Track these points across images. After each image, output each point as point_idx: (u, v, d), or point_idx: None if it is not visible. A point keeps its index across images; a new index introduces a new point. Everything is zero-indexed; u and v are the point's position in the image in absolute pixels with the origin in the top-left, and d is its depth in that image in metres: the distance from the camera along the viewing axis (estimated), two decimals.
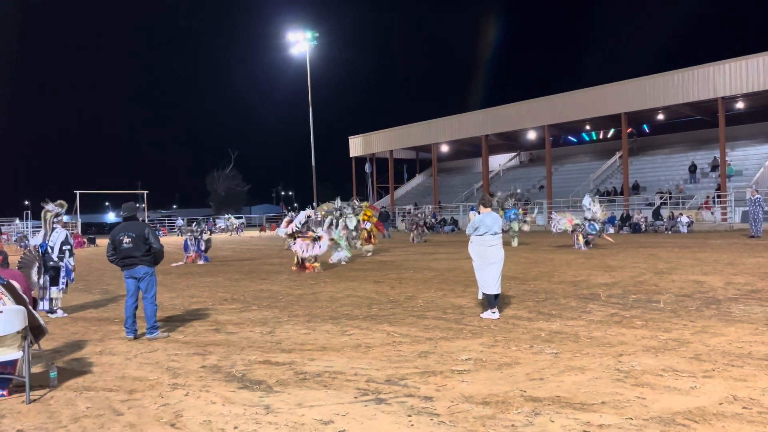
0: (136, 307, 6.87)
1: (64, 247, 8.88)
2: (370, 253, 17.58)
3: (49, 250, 8.78)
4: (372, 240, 17.98)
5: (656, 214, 26.50)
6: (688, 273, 10.88)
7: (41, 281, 8.63)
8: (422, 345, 6.00)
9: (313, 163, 46.26)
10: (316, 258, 13.83)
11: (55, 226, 9.02)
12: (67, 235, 9.06)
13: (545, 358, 5.35)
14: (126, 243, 6.72)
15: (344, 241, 16.14)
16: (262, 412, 4.16)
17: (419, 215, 26.83)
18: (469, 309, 7.99)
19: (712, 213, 27.48)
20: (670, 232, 24.54)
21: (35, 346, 5.03)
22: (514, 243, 19.33)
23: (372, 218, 17.83)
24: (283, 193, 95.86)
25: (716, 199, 28.05)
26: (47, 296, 8.67)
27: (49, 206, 9.10)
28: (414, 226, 24.97)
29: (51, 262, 8.74)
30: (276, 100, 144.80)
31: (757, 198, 19.51)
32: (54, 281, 8.76)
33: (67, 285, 9.04)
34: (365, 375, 4.97)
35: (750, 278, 9.87)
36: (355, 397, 4.38)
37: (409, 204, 35.82)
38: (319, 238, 13.78)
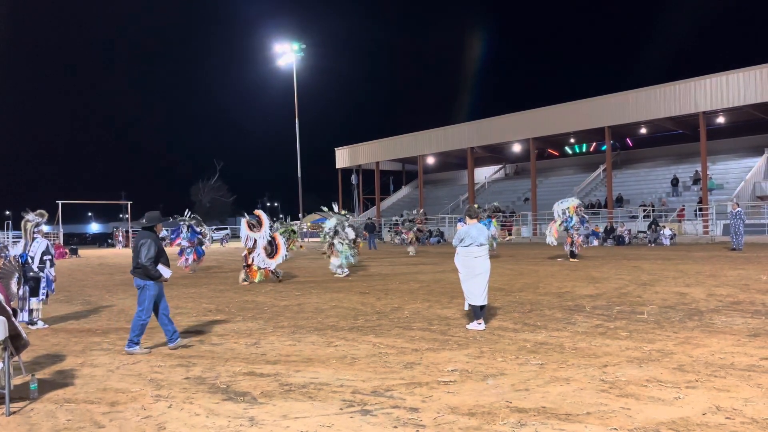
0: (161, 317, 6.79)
1: (44, 257, 8.76)
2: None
3: (30, 261, 8.65)
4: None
5: (650, 226, 26.59)
6: (671, 285, 10.99)
7: (21, 292, 8.49)
8: (408, 356, 5.99)
9: (299, 174, 46.28)
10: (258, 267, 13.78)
11: (35, 236, 8.90)
12: (47, 245, 8.94)
13: (531, 369, 5.36)
14: (133, 252, 6.71)
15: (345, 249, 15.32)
16: (246, 423, 4.11)
17: (418, 222, 24.72)
18: (455, 320, 7.99)
19: (680, 221, 27.90)
20: (653, 245, 24.80)
21: (15, 358, 4.94)
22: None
23: None
24: (268, 204, 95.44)
25: (698, 212, 28.43)
26: (27, 307, 8.52)
27: (30, 216, 8.98)
28: (414, 236, 23.96)
29: (31, 273, 8.61)
30: (262, 111, 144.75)
31: (738, 211, 19.82)
32: (34, 292, 8.62)
33: (47, 296, 8.90)
34: (351, 386, 4.94)
35: (732, 290, 9.99)
36: (341, 409, 4.36)
37: (395, 215, 35.76)
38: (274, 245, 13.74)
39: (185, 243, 18.11)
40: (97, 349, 6.84)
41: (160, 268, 6.67)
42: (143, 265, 6.60)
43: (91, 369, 5.87)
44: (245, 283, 13.65)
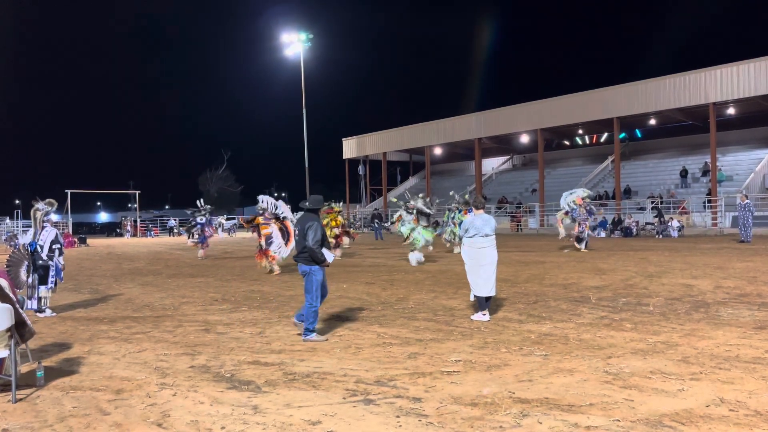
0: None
1: (53, 246, 8.82)
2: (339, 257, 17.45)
3: (39, 249, 8.72)
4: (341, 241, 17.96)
5: (659, 217, 26.35)
6: (678, 277, 10.94)
7: (30, 280, 8.57)
8: (412, 346, 6.00)
9: (306, 165, 46.22)
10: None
11: (44, 225, 8.97)
12: (57, 234, 9.00)
13: (534, 360, 5.36)
14: (296, 236, 6.61)
15: (419, 234, 14.66)
16: (250, 412, 4.14)
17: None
18: (459, 311, 7.99)
19: (686, 213, 27.71)
20: (660, 236, 24.67)
21: (22, 346, 4.99)
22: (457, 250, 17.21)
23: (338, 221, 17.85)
24: (276, 194, 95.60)
25: (707, 204, 28.23)
26: (36, 295, 8.60)
27: (39, 205, 9.04)
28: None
29: (40, 261, 8.68)
30: (270, 101, 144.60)
31: (746, 203, 19.65)
32: (43, 280, 8.69)
33: (56, 284, 8.97)
34: (354, 376, 4.96)
35: (739, 282, 9.93)
36: (344, 398, 4.38)
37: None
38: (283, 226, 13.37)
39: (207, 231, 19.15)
40: (104, 338, 6.89)
41: (324, 251, 6.53)
42: (310, 248, 6.38)
43: (97, 357, 5.92)
44: (275, 272, 13.40)
